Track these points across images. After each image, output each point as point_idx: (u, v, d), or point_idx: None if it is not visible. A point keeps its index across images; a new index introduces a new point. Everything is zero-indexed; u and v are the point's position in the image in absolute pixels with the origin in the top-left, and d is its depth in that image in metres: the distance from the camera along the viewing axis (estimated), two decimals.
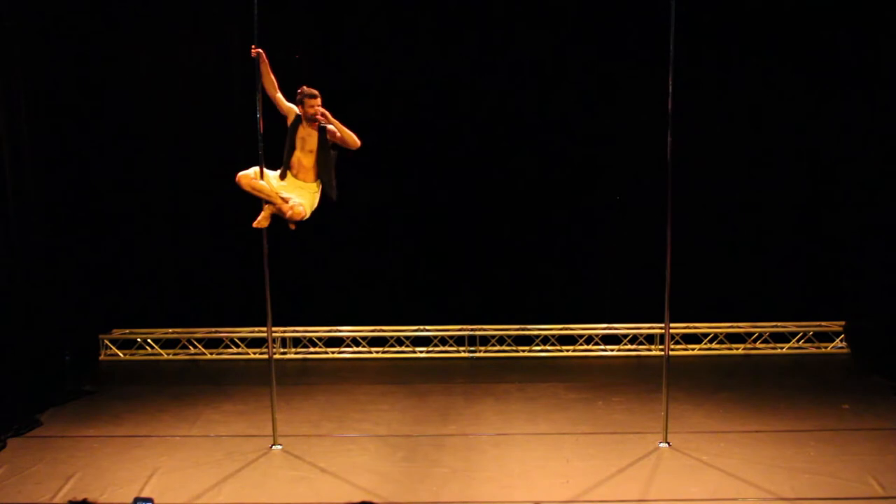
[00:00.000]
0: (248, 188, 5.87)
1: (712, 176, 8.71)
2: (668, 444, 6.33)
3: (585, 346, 8.92)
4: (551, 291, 9.05)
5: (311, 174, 5.98)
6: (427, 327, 9.02)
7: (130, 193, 8.85)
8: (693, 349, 8.87)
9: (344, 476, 5.90)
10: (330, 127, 5.90)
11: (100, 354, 8.92)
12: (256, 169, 5.90)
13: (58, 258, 8.14)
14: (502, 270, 8.99)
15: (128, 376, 8.44)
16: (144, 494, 5.59)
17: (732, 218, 8.83)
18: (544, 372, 8.34)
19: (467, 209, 8.88)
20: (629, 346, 8.91)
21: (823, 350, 8.85)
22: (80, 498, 5.53)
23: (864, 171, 8.59)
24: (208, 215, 8.88)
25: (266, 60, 5.87)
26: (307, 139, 5.94)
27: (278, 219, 5.96)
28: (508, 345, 8.94)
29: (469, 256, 8.95)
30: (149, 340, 8.98)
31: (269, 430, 6.47)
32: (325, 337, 9.00)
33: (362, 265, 9.01)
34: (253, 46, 5.82)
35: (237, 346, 8.99)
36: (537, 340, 8.94)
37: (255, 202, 6.01)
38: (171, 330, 9.05)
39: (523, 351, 8.91)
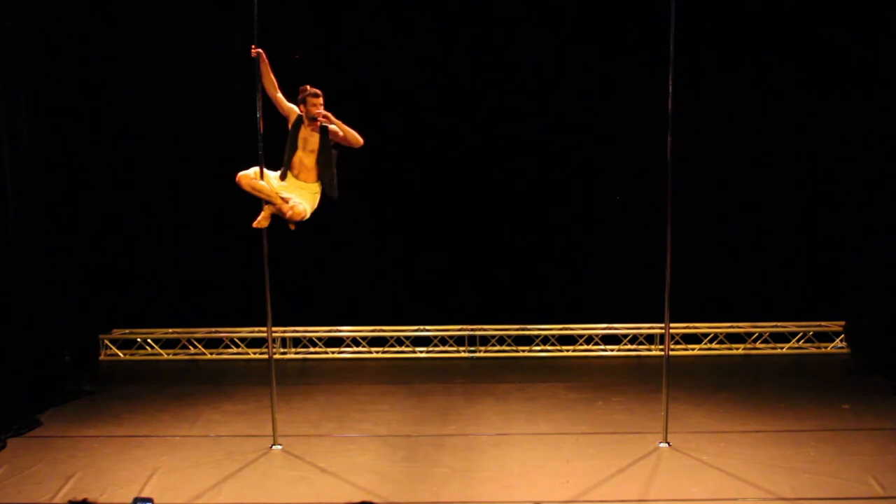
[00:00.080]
0: (248, 188, 5.85)
1: (712, 176, 8.72)
2: (668, 444, 6.33)
3: (585, 346, 8.92)
4: (551, 291, 9.04)
5: (313, 174, 5.97)
6: (427, 327, 9.02)
7: (130, 193, 8.85)
8: (693, 349, 8.87)
9: (344, 476, 5.90)
10: (332, 127, 5.90)
11: (100, 354, 8.92)
12: (256, 169, 5.89)
13: (58, 258, 8.13)
14: (502, 270, 8.99)
15: (128, 376, 8.44)
16: (144, 494, 5.58)
17: (732, 218, 8.83)
18: (544, 372, 8.34)
19: (467, 209, 8.88)
20: (629, 346, 8.91)
21: (823, 350, 8.85)
22: (80, 498, 5.52)
23: (864, 171, 8.59)
24: (208, 215, 8.88)
25: (266, 60, 5.86)
26: (309, 139, 5.93)
27: (278, 219, 5.95)
28: (508, 345, 8.94)
29: (469, 256, 8.95)
30: (149, 340, 8.98)
31: (269, 430, 6.46)
32: (325, 337, 9.00)
33: (362, 265, 9.00)
34: (253, 46, 5.81)
35: (237, 346, 8.99)
36: (537, 340, 8.93)
37: (255, 202, 6.00)
38: (171, 330, 9.05)
39: (523, 351, 8.91)
